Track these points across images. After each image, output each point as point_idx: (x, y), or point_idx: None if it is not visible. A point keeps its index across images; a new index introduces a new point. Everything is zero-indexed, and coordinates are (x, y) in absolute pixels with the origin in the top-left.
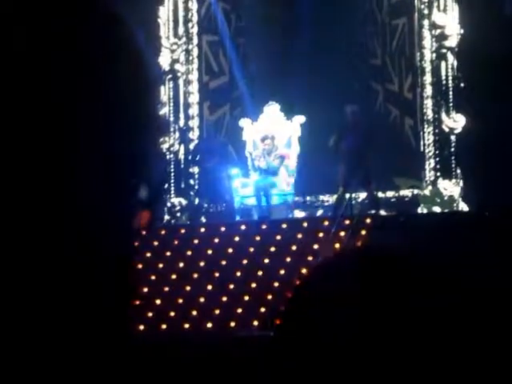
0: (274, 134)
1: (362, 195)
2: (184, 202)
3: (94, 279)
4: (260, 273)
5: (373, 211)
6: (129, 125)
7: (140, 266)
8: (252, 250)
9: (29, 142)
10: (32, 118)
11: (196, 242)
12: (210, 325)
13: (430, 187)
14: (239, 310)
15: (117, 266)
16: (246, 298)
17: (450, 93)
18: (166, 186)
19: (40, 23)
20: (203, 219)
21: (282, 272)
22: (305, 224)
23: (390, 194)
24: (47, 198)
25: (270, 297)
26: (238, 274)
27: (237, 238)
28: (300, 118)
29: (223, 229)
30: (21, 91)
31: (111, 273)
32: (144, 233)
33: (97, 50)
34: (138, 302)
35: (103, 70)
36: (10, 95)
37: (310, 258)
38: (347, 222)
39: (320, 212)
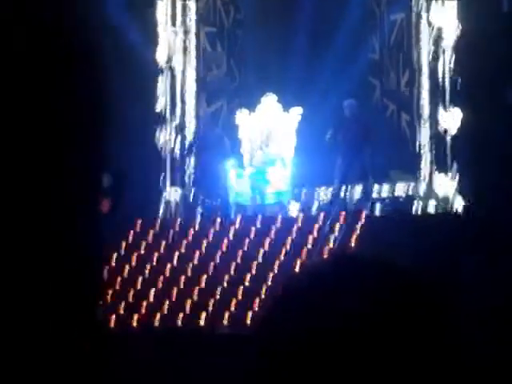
0: (271, 126)
1: (358, 189)
2: (179, 194)
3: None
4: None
5: (368, 206)
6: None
7: (135, 256)
8: (247, 243)
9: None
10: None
11: (191, 234)
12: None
13: (425, 182)
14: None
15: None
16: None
17: (447, 89)
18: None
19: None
20: (198, 212)
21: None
22: (300, 219)
23: (385, 189)
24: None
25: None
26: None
27: (231, 233)
28: (297, 110)
29: (218, 223)
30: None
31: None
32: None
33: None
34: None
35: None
36: None
37: (304, 252)
38: (342, 216)
39: (315, 205)
